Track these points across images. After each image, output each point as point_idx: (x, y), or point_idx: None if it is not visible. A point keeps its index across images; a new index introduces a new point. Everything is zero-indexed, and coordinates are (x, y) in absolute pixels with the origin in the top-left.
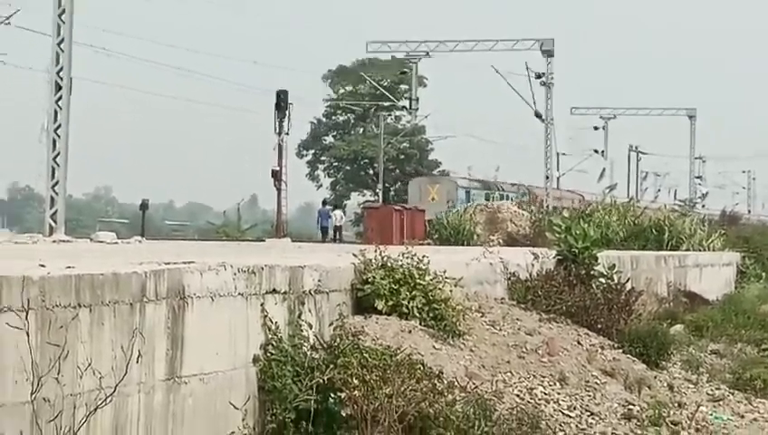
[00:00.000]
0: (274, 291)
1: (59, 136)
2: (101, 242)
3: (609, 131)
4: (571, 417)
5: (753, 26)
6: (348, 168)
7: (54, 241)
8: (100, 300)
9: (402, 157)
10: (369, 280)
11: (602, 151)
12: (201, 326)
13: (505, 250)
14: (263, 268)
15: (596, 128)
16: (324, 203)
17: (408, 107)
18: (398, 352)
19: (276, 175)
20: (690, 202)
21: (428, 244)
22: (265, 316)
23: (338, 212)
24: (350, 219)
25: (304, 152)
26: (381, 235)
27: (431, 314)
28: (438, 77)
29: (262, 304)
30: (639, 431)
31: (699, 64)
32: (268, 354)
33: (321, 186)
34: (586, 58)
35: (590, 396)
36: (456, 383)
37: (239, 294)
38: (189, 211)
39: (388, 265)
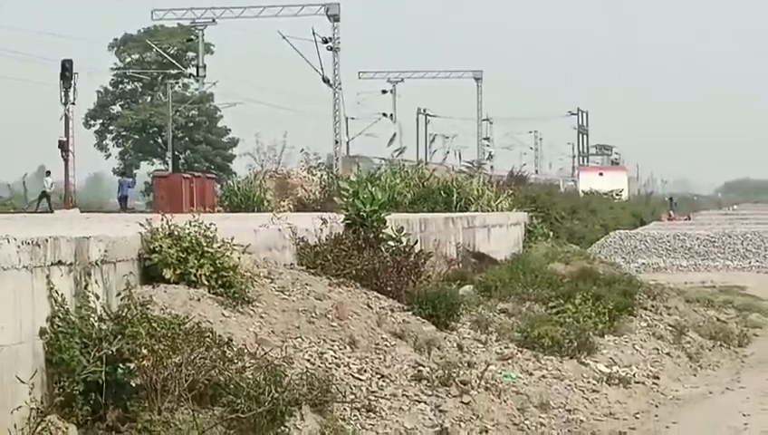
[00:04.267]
0: (60, 263)
1: None
2: None
3: (398, 95)
4: (361, 380)
5: None
6: (136, 136)
7: None
8: None
9: (191, 124)
10: (156, 249)
11: (391, 115)
12: None
13: (295, 216)
14: (47, 240)
15: (384, 91)
16: (123, 174)
17: (195, 74)
18: (187, 320)
19: (63, 145)
20: (478, 163)
21: (219, 211)
22: (51, 289)
23: (49, 178)
24: (141, 189)
25: (92, 122)
26: (171, 203)
27: (219, 282)
28: (226, 44)
29: (47, 277)
30: (429, 392)
31: (486, 27)
32: (55, 327)
33: (110, 155)
34: (374, 23)
35: (380, 359)
36: (245, 350)
37: (24, 266)
38: None
39: (176, 233)
